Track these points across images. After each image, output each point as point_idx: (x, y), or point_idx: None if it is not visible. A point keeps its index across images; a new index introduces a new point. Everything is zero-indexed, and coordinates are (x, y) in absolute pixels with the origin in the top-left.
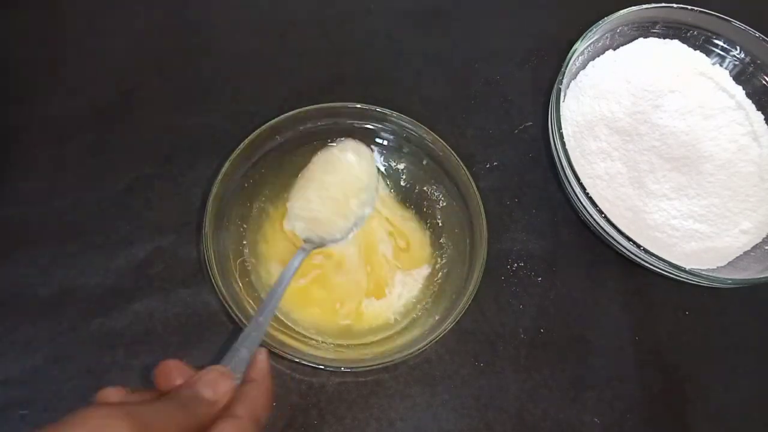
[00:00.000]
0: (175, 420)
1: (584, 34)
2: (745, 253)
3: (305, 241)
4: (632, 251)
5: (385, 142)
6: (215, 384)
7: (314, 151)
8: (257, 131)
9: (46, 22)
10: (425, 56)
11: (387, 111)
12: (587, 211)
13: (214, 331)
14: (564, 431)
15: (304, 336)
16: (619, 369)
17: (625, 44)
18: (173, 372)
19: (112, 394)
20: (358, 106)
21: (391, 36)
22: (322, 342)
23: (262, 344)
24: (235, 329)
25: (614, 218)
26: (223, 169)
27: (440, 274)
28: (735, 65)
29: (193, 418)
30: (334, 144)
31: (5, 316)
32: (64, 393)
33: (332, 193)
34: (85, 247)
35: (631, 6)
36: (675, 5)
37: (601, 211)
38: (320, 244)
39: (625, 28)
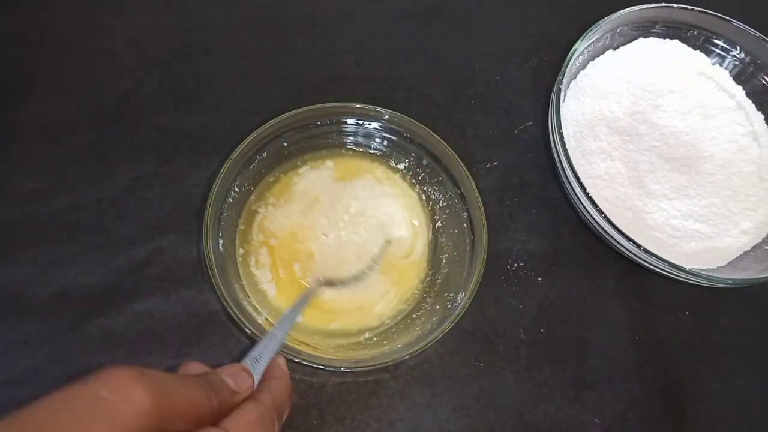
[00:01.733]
0: (195, 396)
1: (584, 34)
2: (745, 253)
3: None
4: (632, 251)
5: (385, 142)
6: (237, 376)
7: (314, 150)
8: (257, 131)
9: (45, 22)
10: (425, 56)
11: (387, 111)
12: (587, 211)
13: (214, 331)
14: (564, 431)
15: (304, 338)
16: (619, 369)
17: (625, 44)
18: (197, 370)
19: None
20: (358, 106)
21: (391, 36)
22: (322, 342)
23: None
24: (235, 329)
25: (614, 218)
26: (223, 169)
27: (440, 274)
28: (735, 65)
29: (212, 399)
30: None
31: (5, 316)
32: None
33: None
34: (85, 247)
35: (631, 6)
36: (675, 5)
37: (601, 211)
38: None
39: (625, 28)
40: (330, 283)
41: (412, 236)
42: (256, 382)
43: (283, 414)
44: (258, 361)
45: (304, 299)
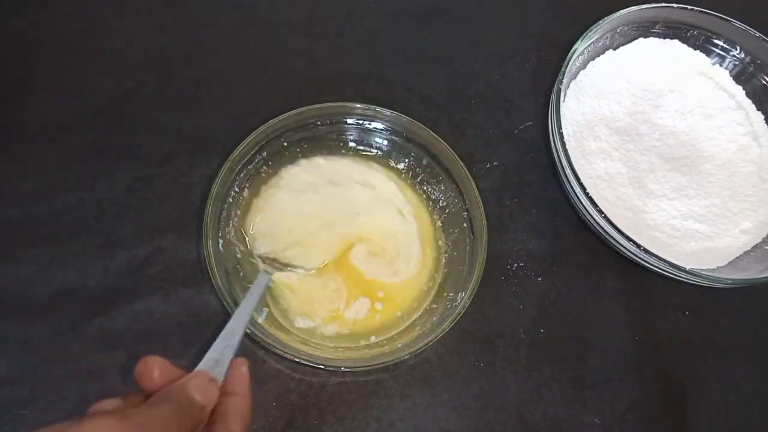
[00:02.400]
0: (169, 423)
1: (584, 34)
2: (745, 253)
3: (263, 261)
4: (632, 251)
5: (385, 142)
6: (205, 389)
7: (313, 152)
8: (257, 131)
9: (45, 23)
10: (426, 56)
11: (387, 111)
12: (587, 211)
13: (214, 330)
14: (564, 431)
15: (303, 337)
16: (619, 369)
17: (625, 44)
18: (154, 369)
19: (107, 404)
20: (358, 105)
21: (392, 36)
22: (322, 343)
23: (262, 344)
24: None
25: (614, 218)
26: (223, 169)
27: (440, 273)
28: (735, 65)
29: (186, 421)
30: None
31: (5, 316)
32: (64, 393)
33: (312, 214)
34: (85, 247)
35: (631, 6)
36: (675, 5)
37: (601, 211)
38: (281, 269)
39: (625, 28)
40: (284, 265)
41: (414, 240)
42: (218, 385)
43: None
44: (220, 361)
45: (258, 287)
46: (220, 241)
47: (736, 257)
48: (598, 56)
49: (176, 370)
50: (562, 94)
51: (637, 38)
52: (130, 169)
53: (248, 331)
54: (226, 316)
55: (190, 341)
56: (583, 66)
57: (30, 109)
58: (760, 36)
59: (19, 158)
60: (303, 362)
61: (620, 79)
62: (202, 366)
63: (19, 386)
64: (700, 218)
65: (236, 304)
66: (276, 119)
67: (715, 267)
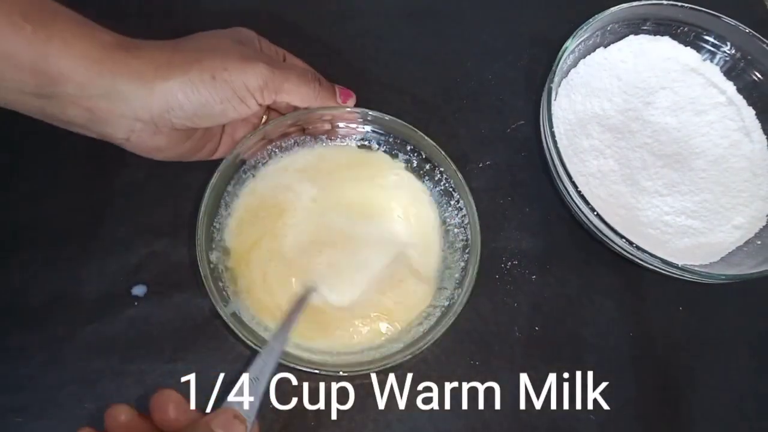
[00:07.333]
0: None
1: (575, 32)
2: (738, 248)
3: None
4: (625, 248)
5: (377, 145)
6: (229, 426)
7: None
8: (249, 135)
9: None
10: (417, 56)
11: (378, 114)
12: (580, 209)
13: (209, 335)
14: (560, 429)
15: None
16: (614, 365)
17: (616, 41)
18: (170, 404)
19: (120, 412)
20: (348, 109)
21: (383, 36)
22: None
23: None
24: (228, 334)
25: (607, 216)
26: (217, 173)
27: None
28: (726, 61)
29: None
30: None
31: None
32: (59, 400)
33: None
34: (78, 252)
35: (621, 3)
36: (665, 2)
37: (593, 209)
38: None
39: (616, 26)
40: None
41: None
42: (256, 404)
43: None
44: (258, 380)
45: (298, 307)
46: (214, 245)
47: (729, 253)
48: (589, 54)
49: (191, 410)
50: (554, 92)
51: (628, 35)
52: (123, 173)
53: (250, 344)
54: (221, 322)
55: (185, 346)
56: (575, 64)
57: (20, 114)
58: (750, 32)
59: (10, 163)
60: (298, 367)
61: (611, 76)
62: (245, 381)
63: (13, 393)
64: (693, 214)
65: (234, 316)
66: (267, 124)
67: (708, 263)
